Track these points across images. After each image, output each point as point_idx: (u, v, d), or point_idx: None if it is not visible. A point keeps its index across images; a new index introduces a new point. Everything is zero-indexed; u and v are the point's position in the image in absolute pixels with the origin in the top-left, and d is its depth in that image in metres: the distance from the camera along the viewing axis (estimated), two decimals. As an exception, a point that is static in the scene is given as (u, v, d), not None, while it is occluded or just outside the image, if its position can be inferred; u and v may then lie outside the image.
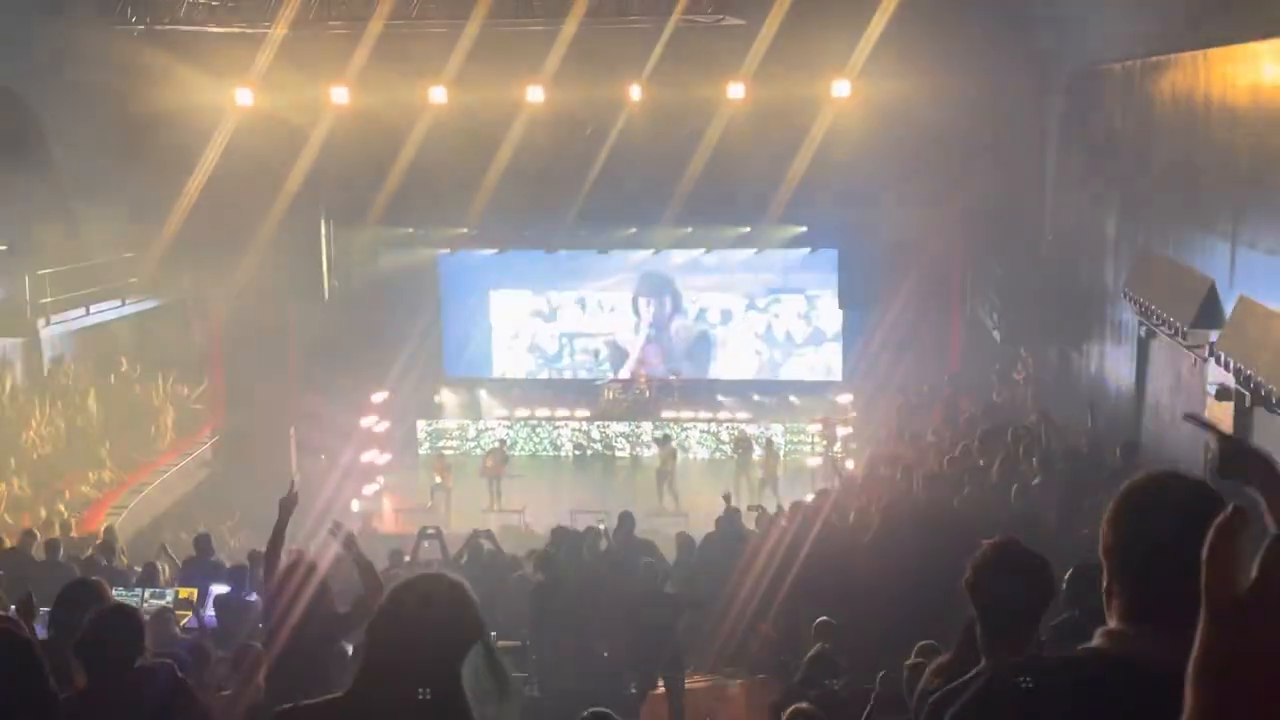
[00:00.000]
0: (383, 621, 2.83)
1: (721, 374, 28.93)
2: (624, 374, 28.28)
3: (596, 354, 28.93)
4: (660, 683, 10.31)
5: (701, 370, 28.98)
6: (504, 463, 23.67)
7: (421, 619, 2.78)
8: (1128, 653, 2.05)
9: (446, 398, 27.87)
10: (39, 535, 13.78)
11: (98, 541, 14.47)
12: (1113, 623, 2.11)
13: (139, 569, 13.28)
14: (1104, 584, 2.13)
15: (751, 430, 25.12)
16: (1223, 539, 1.36)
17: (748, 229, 26.37)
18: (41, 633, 5.53)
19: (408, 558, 13.63)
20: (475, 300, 28.84)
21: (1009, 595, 3.58)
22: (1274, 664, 1.28)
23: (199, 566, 12.55)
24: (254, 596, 10.12)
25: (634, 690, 10.27)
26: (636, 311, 29.31)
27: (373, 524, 21.81)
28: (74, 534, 16.42)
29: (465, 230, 26.81)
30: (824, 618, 8.36)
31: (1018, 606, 3.57)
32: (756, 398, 27.16)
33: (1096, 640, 2.11)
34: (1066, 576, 6.19)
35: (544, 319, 29.24)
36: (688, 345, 29.24)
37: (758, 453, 23.95)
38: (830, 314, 27.41)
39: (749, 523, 15.30)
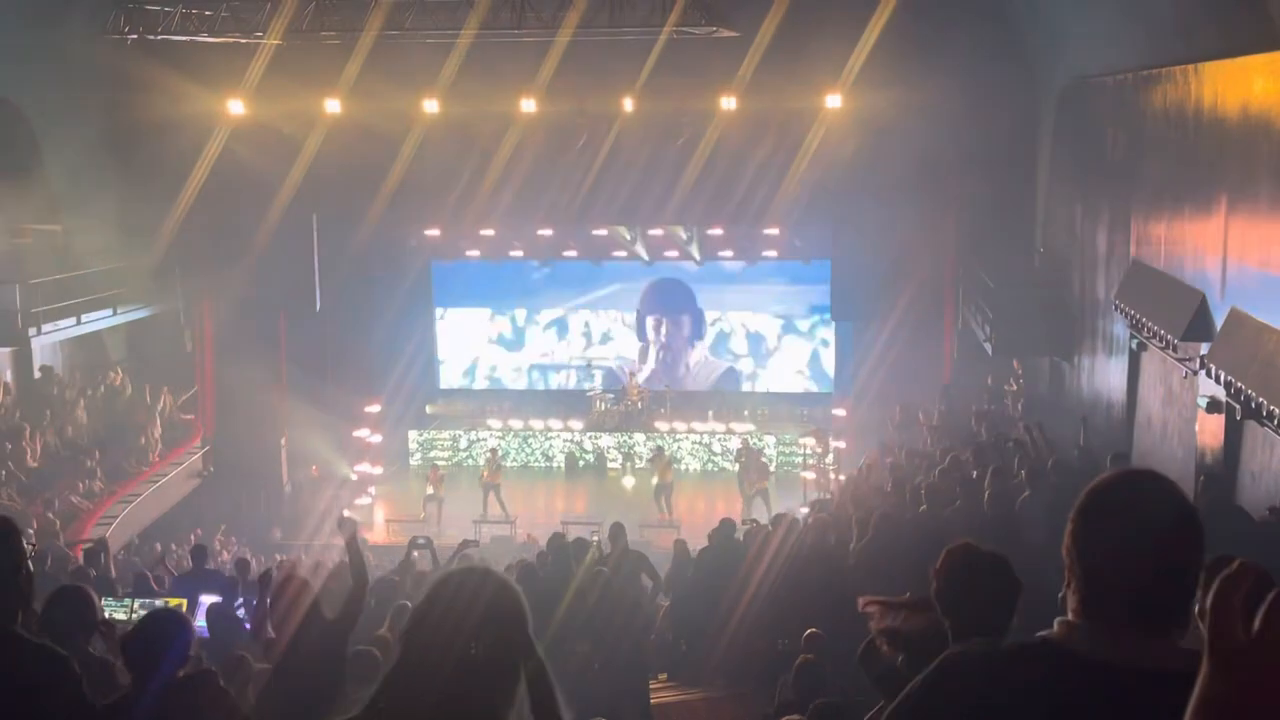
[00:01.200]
0: (419, 624, 2.38)
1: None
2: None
3: (590, 368, 28.15)
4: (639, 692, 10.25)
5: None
6: (497, 471, 23.65)
7: (464, 624, 2.33)
8: (1075, 644, 2.12)
9: (438, 408, 27.79)
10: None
11: (87, 549, 14.42)
12: (1069, 615, 2.18)
13: (131, 578, 13.24)
14: (1065, 577, 2.20)
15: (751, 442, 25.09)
16: (1228, 588, 1.37)
17: (739, 242, 26.34)
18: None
19: (395, 566, 13.61)
20: (466, 312, 28.55)
21: (971, 596, 3.67)
22: (1272, 715, 1.31)
23: (194, 576, 12.50)
24: (241, 610, 10.11)
25: (629, 702, 10.22)
26: (643, 333, 27.79)
27: (361, 534, 21.77)
28: (62, 543, 16.36)
29: (458, 241, 26.80)
30: (813, 630, 8.33)
31: (980, 604, 3.65)
32: (749, 410, 27.06)
33: (1052, 629, 2.19)
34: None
35: (505, 344, 27.99)
36: (709, 382, 27.67)
37: (762, 460, 23.92)
38: (823, 325, 27.35)
39: (741, 535, 15.26)
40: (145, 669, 4.32)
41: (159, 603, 10.99)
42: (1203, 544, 2.12)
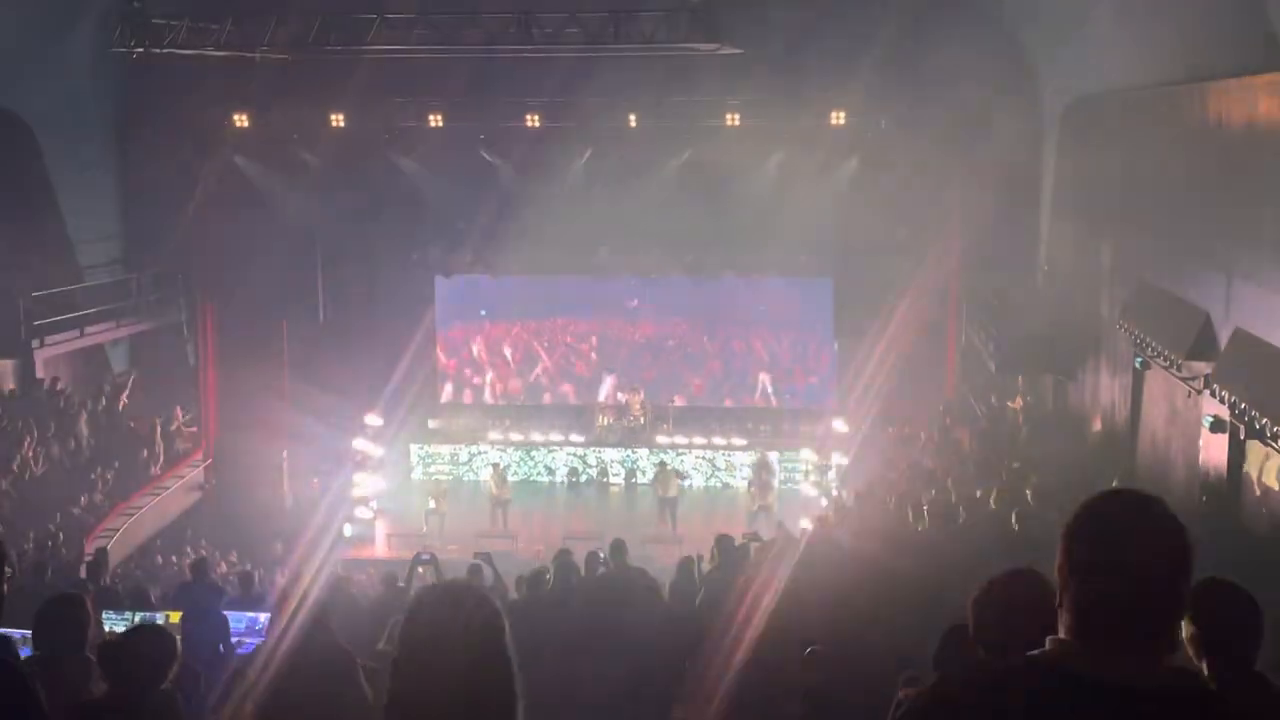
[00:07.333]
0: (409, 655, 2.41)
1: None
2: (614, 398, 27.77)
3: (591, 383, 28.10)
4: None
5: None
6: (505, 486, 23.56)
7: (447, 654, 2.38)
8: (1066, 663, 2.14)
9: (439, 422, 27.71)
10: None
11: (87, 561, 14.39)
12: (1062, 633, 2.19)
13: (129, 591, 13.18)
14: (1057, 595, 2.21)
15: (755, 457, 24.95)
16: None
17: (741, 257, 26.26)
18: (26, 652, 5.49)
19: (401, 583, 13.54)
20: (468, 329, 28.38)
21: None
22: None
23: (194, 590, 12.42)
24: (235, 620, 10.04)
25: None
26: (645, 348, 27.75)
27: (366, 554, 21.74)
28: (64, 556, 16.32)
29: (460, 255, 26.77)
30: (814, 648, 8.23)
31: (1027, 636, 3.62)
32: (751, 425, 26.97)
33: (1045, 648, 2.20)
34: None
35: (506, 358, 27.74)
36: (711, 398, 27.57)
37: (765, 475, 23.80)
38: (825, 343, 27.25)
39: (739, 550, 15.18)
40: (124, 680, 4.28)
41: (158, 616, 10.96)
42: (1191, 564, 2.15)
